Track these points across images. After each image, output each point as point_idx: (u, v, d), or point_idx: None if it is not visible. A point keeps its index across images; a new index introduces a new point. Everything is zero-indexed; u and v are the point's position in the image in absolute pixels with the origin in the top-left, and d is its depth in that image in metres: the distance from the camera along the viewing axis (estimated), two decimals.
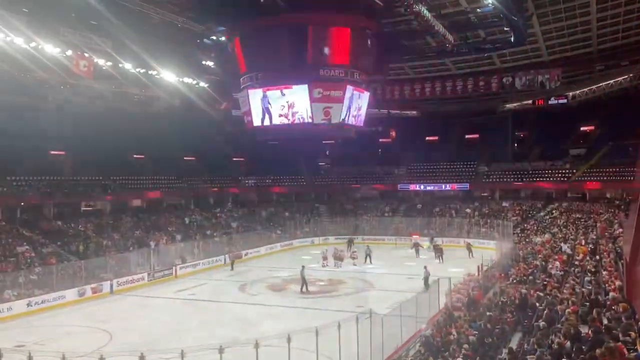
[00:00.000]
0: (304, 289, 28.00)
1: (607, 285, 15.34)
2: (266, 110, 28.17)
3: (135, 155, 45.03)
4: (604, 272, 17.47)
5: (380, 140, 57.10)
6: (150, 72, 37.49)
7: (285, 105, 27.46)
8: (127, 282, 29.83)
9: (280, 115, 27.79)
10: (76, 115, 39.56)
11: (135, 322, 22.95)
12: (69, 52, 30.69)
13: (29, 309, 24.73)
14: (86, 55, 31.57)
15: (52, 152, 39.11)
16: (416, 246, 37.87)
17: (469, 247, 36.46)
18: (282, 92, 27.39)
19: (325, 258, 35.42)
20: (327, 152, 58.21)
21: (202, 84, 42.32)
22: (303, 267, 28.89)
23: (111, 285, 28.91)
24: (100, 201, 39.42)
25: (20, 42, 28.60)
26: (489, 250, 32.94)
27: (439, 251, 36.16)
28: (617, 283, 14.35)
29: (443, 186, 50.34)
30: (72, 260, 30.22)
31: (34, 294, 25.65)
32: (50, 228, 33.81)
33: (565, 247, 26.44)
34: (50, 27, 27.78)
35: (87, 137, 39.59)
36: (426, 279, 25.83)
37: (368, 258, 35.92)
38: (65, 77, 34.22)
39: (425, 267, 27.03)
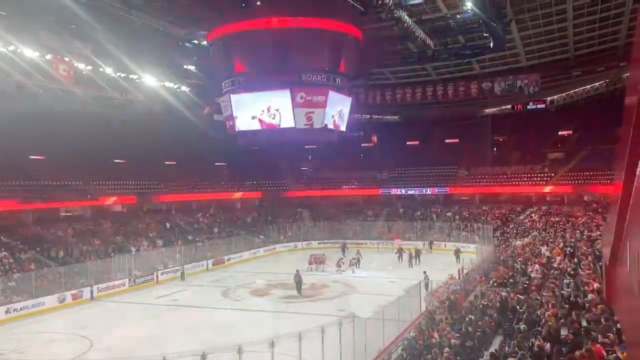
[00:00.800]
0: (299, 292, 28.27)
1: (585, 287, 15.62)
2: (248, 115, 28.22)
3: (116, 160, 44.58)
4: (583, 275, 17.77)
5: (363, 144, 57.39)
6: (131, 76, 37.27)
7: (267, 110, 27.56)
8: (107, 287, 29.52)
9: (263, 120, 27.88)
10: (56, 120, 39.05)
11: (116, 328, 22.72)
12: (49, 56, 30.41)
13: (7, 316, 24.30)
14: (66, 59, 31.32)
15: (32, 157, 38.54)
16: (400, 251, 37.56)
17: (457, 254, 34.92)
18: (264, 97, 27.49)
19: (311, 263, 35.27)
20: (310, 157, 58.30)
21: (183, 88, 42.18)
22: (297, 270, 29.02)
23: (91, 291, 28.59)
24: (81, 206, 38.94)
25: None
26: (469, 253, 33.23)
27: (417, 253, 36.45)
28: (596, 285, 14.60)
29: (424, 190, 50.72)
30: (52, 266, 29.81)
31: (12, 300, 25.26)
32: (29, 234, 33.32)
33: (544, 250, 26.82)
34: (29, 30, 27.47)
35: (67, 142, 39.08)
36: (427, 285, 25.37)
37: (357, 263, 35.39)
38: (45, 81, 33.83)
39: (425, 272, 26.68)
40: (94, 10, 25.84)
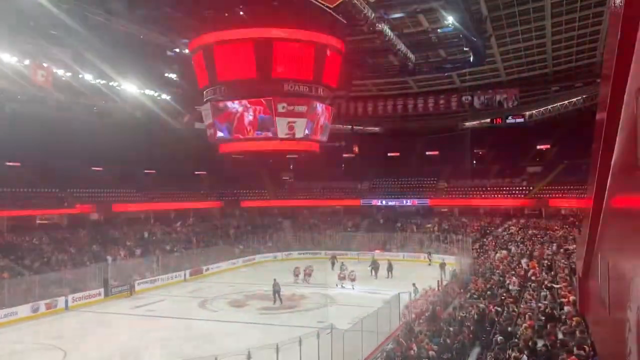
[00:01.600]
0: (277, 303, 27.91)
1: (562, 300, 15.78)
2: (229, 124, 28.15)
3: (93, 168, 44.04)
4: (559, 287, 17.96)
5: (344, 155, 57.50)
6: (111, 84, 36.98)
7: (249, 119, 27.52)
8: (83, 297, 28.98)
9: (244, 129, 27.83)
10: (33, 126, 38.52)
11: (92, 339, 22.30)
12: (27, 62, 30.06)
13: None
14: (45, 65, 30.96)
15: (8, 163, 37.90)
16: (374, 264, 36.15)
17: (442, 267, 32.49)
18: (245, 106, 27.46)
19: (297, 275, 34.33)
20: (291, 167, 58.26)
21: (164, 96, 41.95)
22: (275, 280, 28.65)
23: (66, 301, 28.03)
24: (57, 214, 38.33)
25: None
26: (448, 265, 33.36)
27: (389, 267, 35.30)
28: (571, 298, 14.77)
29: (404, 201, 50.96)
30: (26, 274, 29.22)
31: None
32: (2, 241, 32.66)
33: (523, 262, 27.08)
34: (6, 35, 27.13)
35: (44, 148, 38.57)
36: (413, 296, 25.18)
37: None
38: (23, 86, 33.42)
39: (414, 284, 26.51)
40: (74, 17, 25.64)
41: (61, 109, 41.60)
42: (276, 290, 28.19)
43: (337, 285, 32.38)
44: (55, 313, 26.91)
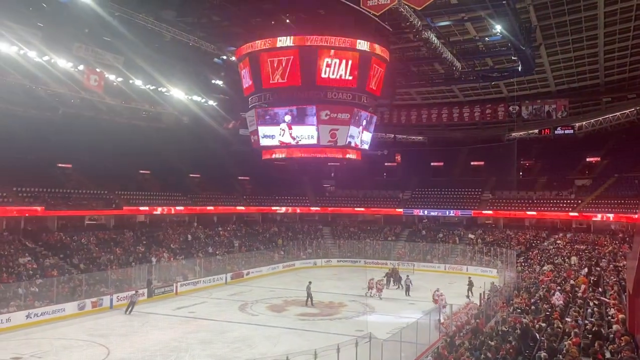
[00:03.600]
0: (309, 304, 29.25)
1: (610, 318, 15.22)
2: (273, 130, 28.41)
3: (141, 171, 45.22)
4: (608, 305, 17.34)
5: (386, 164, 57.21)
6: (160, 89, 38.00)
7: (292, 126, 27.72)
8: (127, 297, 29.66)
9: (287, 136, 28.04)
10: (85, 129, 39.95)
11: (134, 337, 22.81)
12: (81, 67, 31.21)
13: (28, 321, 24.60)
14: (97, 70, 32.06)
15: (60, 165, 39.34)
16: (394, 274, 35.33)
17: (470, 285, 31.13)
18: (289, 113, 27.67)
19: (371, 287, 32.19)
20: (332, 174, 58.33)
21: (210, 102, 42.86)
22: (310, 282, 29.96)
23: (111, 300, 28.81)
24: (105, 215, 39.48)
25: (34, 55, 29.10)
26: (491, 278, 32.67)
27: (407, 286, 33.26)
28: (620, 316, 14.23)
29: (447, 212, 50.15)
30: (74, 273, 30.17)
31: (33, 305, 25.58)
32: (53, 240, 33.83)
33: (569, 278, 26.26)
34: (63, 41, 28.24)
35: (94, 151, 39.87)
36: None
37: (408, 290, 32.71)
38: (77, 91, 34.75)
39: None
40: (126, 24, 26.50)
41: (112, 113, 43.06)
42: (308, 293, 29.54)
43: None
44: (100, 311, 27.67)
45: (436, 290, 27.74)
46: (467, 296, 30.27)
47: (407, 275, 33.73)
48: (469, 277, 33.19)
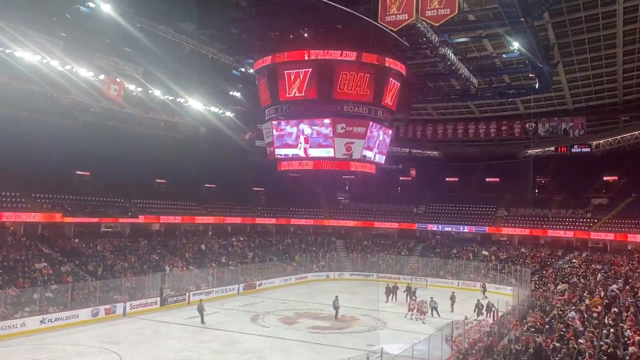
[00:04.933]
0: (338, 316, 29.44)
1: (626, 339, 15.02)
2: (289, 143, 28.61)
3: (157, 180, 45.67)
4: (623, 326, 17.10)
5: (400, 178, 57.17)
6: (178, 100, 38.50)
7: (308, 138, 27.89)
8: (140, 305, 29.91)
9: (303, 148, 28.22)
10: (104, 137, 40.53)
11: (146, 346, 22.93)
12: (102, 77, 31.76)
13: (42, 326, 24.88)
14: (118, 80, 32.61)
15: (78, 172, 39.87)
16: (390, 291, 35.04)
17: (478, 306, 29.69)
18: (306, 126, 27.86)
19: (412, 309, 30.26)
20: (347, 187, 58.41)
21: (228, 113, 43.28)
22: (337, 297, 30.08)
23: (124, 308, 29.01)
24: (120, 223, 39.87)
25: (56, 64, 29.64)
26: (505, 295, 32.37)
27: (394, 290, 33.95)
28: (637, 338, 14.05)
29: (461, 228, 49.87)
30: (88, 280, 30.46)
31: (47, 311, 25.84)
32: (69, 246, 34.20)
33: (584, 297, 25.92)
34: (84, 51, 28.80)
35: (112, 159, 40.39)
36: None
37: (434, 311, 30.40)
38: (97, 100, 35.31)
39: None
40: (147, 35, 26.99)
41: (130, 122, 43.67)
42: (335, 307, 29.52)
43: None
44: (113, 318, 27.87)
45: (431, 298, 29.47)
46: (452, 311, 30.40)
47: (431, 297, 31.36)
48: (452, 292, 33.40)
